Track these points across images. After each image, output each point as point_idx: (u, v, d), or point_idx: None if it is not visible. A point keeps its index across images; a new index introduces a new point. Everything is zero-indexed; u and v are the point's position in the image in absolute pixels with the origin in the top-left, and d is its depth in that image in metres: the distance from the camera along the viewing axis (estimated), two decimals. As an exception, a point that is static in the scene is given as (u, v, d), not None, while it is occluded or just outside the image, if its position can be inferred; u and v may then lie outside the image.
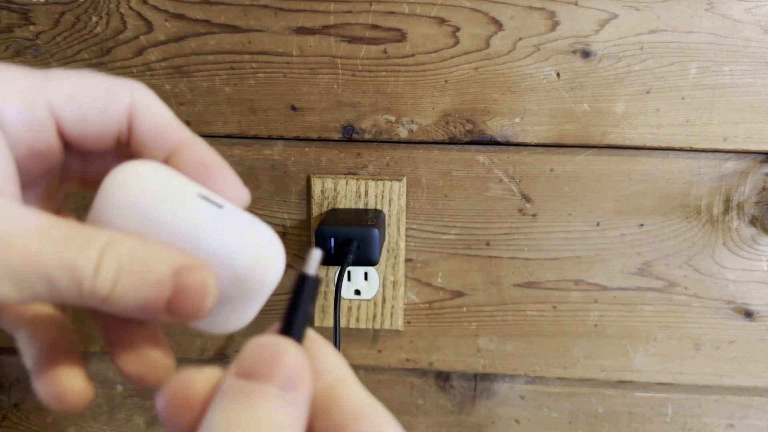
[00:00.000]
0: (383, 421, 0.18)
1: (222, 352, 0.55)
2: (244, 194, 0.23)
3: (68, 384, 0.21)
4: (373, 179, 0.49)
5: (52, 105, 0.22)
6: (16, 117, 0.21)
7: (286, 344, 0.18)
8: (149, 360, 0.21)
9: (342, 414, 0.18)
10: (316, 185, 0.49)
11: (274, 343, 0.18)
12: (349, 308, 0.52)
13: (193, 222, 0.21)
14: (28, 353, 0.22)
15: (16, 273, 0.18)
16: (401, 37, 0.46)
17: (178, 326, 0.54)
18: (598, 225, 0.50)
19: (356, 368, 0.54)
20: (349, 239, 0.45)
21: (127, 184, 0.21)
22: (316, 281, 0.20)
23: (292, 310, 0.19)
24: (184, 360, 0.55)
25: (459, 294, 0.52)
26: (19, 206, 0.19)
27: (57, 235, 0.18)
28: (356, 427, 0.18)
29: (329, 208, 0.50)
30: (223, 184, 0.22)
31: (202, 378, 0.18)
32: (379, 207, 0.49)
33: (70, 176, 0.25)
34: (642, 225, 0.49)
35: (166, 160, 0.23)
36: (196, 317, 0.20)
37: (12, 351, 0.57)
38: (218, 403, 0.17)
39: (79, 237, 0.18)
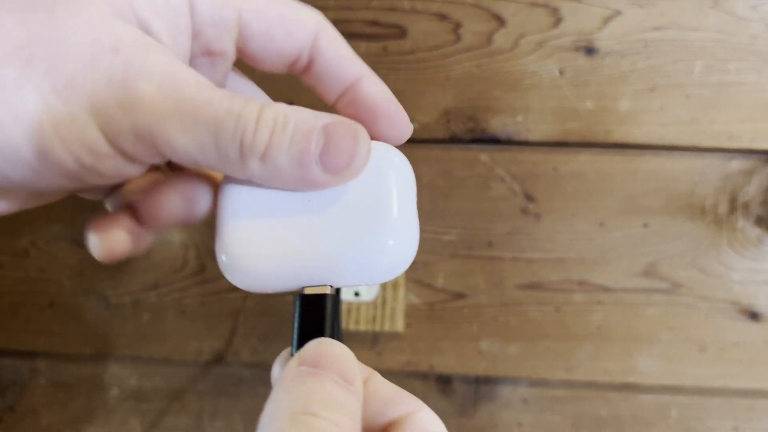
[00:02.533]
0: (416, 402, 0.20)
1: (219, 353, 0.55)
2: (410, 129, 0.24)
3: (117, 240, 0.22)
4: (373, 178, 0.49)
5: (241, 13, 0.22)
6: (206, 10, 0.21)
7: (342, 346, 0.20)
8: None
9: (379, 401, 0.20)
10: (315, 185, 0.49)
11: (332, 342, 0.20)
12: (349, 310, 0.52)
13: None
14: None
15: (188, 115, 0.18)
16: (402, 33, 0.46)
17: (172, 328, 0.54)
18: (601, 225, 0.49)
19: (356, 371, 0.54)
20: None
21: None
22: (337, 296, 0.22)
23: (328, 324, 0.21)
24: (180, 363, 0.54)
25: (460, 295, 0.52)
26: (191, 69, 0.20)
27: (222, 92, 0.19)
28: (394, 410, 0.20)
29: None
30: (397, 119, 0.23)
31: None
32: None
33: None
34: (646, 225, 0.49)
35: (344, 93, 0.23)
36: (350, 169, 0.20)
37: (7, 353, 0.57)
38: (286, 383, 0.18)
39: (240, 97, 0.19)
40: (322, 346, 0.19)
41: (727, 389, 0.53)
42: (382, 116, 0.23)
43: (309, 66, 0.23)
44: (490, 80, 0.46)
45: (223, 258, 0.22)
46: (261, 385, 0.53)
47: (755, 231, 0.49)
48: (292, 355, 0.20)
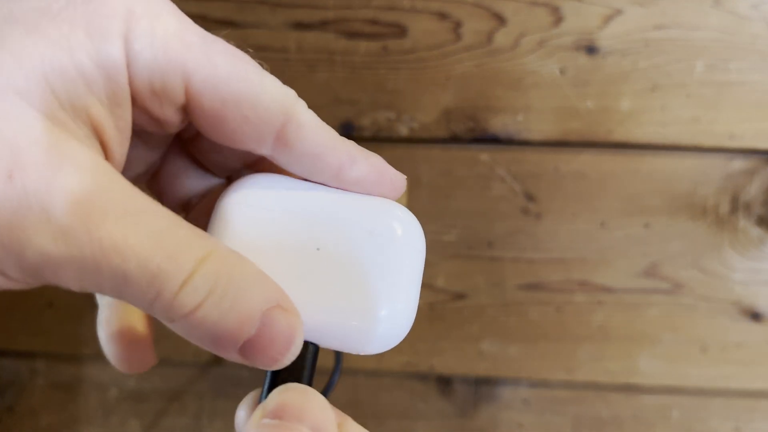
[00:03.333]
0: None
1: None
2: (404, 186, 0.22)
3: (137, 354, 0.20)
4: (372, 178, 0.48)
5: (189, 80, 0.17)
6: (145, 71, 0.17)
7: (312, 392, 0.18)
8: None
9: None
10: (315, 184, 0.49)
11: (300, 389, 0.18)
12: (349, 310, 0.52)
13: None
14: (104, 315, 0.21)
15: (89, 268, 0.15)
16: (402, 32, 0.46)
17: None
18: (602, 225, 0.49)
19: (355, 373, 0.54)
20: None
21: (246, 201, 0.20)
22: (317, 347, 0.20)
23: (306, 373, 0.20)
24: (179, 363, 0.54)
25: (461, 296, 0.52)
26: (116, 182, 0.16)
27: (149, 225, 0.15)
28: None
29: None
30: (391, 189, 0.21)
31: None
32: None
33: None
34: (647, 225, 0.49)
35: (327, 180, 0.20)
36: (268, 367, 0.18)
37: (6, 353, 0.57)
38: None
39: (177, 237, 0.16)
40: (288, 394, 0.18)
41: (729, 390, 0.53)
42: (374, 192, 0.21)
43: (275, 157, 0.20)
44: (490, 80, 0.46)
45: None
46: (260, 386, 0.52)
47: (757, 231, 0.49)
48: (261, 400, 0.19)
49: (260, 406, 0.18)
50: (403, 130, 0.48)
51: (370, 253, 0.20)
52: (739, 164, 0.47)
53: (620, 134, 0.47)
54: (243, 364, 0.18)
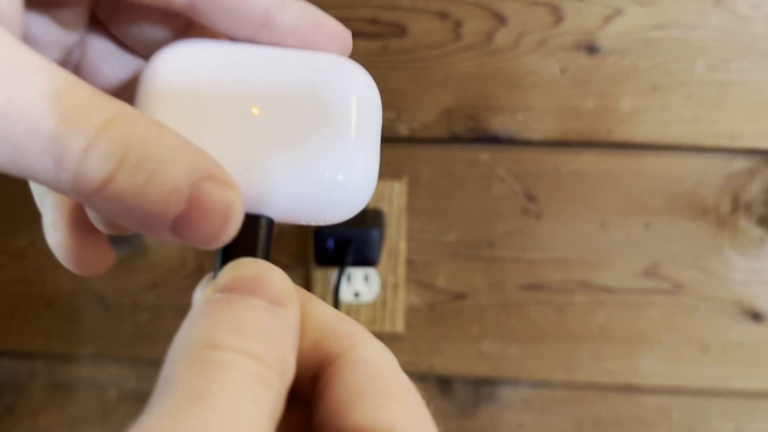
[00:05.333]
0: (361, 332, 0.16)
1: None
2: (350, 41, 0.19)
3: (92, 254, 0.19)
4: (373, 178, 0.48)
5: None
6: None
7: (270, 265, 0.16)
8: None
9: (315, 331, 0.16)
10: (315, 184, 0.49)
11: (254, 262, 0.16)
12: (349, 311, 0.51)
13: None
14: (48, 219, 0.19)
15: None
16: (402, 32, 0.46)
17: (171, 329, 0.54)
18: (603, 225, 0.49)
19: (356, 372, 0.54)
20: (348, 240, 0.44)
21: (177, 68, 0.17)
22: (270, 220, 0.18)
23: (261, 247, 0.18)
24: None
25: (461, 296, 0.51)
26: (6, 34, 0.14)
27: (41, 85, 0.13)
28: (333, 343, 0.16)
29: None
30: (333, 37, 0.18)
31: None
32: (379, 207, 0.49)
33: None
34: (648, 225, 0.49)
35: (255, 34, 0.18)
36: (206, 246, 0.16)
37: (5, 354, 0.57)
38: (197, 316, 0.15)
39: (75, 97, 0.14)
40: (240, 267, 0.16)
41: (729, 390, 0.52)
42: (312, 44, 0.18)
43: (194, 6, 0.17)
44: (490, 79, 0.46)
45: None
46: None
47: (757, 231, 0.49)
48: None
49: (211, 282, 0.16)
50: (404, 130, 0.48)
51: (317, 113, 0.17)
52: (739, 164, 0.47)
53: (621, 134, 0.47)
54: (181, 244, 0.16)
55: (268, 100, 0.18)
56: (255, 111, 0.17)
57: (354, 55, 0.19)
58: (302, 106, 0.18)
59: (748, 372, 0.52)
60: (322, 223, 0.18)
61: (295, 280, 0.19)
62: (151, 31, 0.19)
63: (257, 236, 0.17)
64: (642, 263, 0.50)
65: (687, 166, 0.48)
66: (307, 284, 0.51)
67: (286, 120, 0.17)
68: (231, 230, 0.16)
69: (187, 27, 0.19)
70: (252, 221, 0.17)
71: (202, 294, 0.16)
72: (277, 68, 0.18)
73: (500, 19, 0.45)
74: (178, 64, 0.18)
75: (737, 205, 0.48)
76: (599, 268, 0.50)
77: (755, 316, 0.50)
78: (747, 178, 0.48)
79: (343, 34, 0.18)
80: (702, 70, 0.45)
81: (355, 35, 0.46)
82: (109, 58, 0.20)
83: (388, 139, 0.48)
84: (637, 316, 0.51)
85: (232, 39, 0.18)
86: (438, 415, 0.20)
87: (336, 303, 0.45)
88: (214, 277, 0.17)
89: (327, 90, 0.18)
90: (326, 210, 0.18)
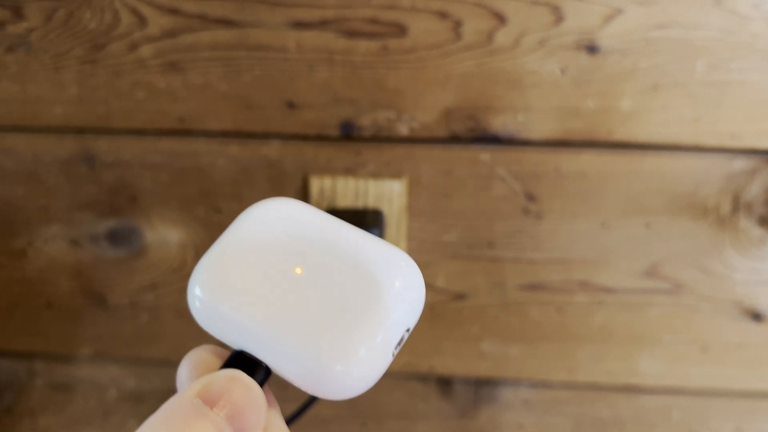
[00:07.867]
0: None
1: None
2: None
3: None
4: (372, 178, 0.48)
5: None
6: None
7: (254, 388, 0.18)
8: None
9: None
10: (314, 185, 0.49)
11: (243, 383, 0.18)
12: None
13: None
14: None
15: None
16: (402, 32, 0.45)
17: (171, 329, 0.54)
18: (603, 225, 0.49)
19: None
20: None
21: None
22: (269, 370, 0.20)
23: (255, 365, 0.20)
24: (179, 364, 0.54)
25: (461, 296, 0.51)
26: None
27: None
28: None
29: (327, 208, 0.49)
30: None
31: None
32: (378, 207, 0.49)
33: None
34: (648, 225, 0.49)
35: None
36: None
37: (4, 354, 0.57)
38: (171, 413, 0.18)
39: None
40: (230, 384, 0.18)
41: (730, 390, 0.52)
42: None
43: None
44: (491, 79, 0.46)
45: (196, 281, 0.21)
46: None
47: (758, 231, 0.49)
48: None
49: (200, 382, 0.19)
50: (404, 130, 0.48)
51: (356, 296, 0.18)
52: (740, 164, 0.47)
53: (621, 134, 0.47)
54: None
55: (314, 264, 0.19)
56: (298, 271, 0.19)
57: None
58: (347, 285, 0.19)
59: (749, 372, 0.52)
60: (309, 393, 0.19)
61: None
62: None
63: (254, 375, 0.19)
64: (642, 263, 0.50)
65: (687, 166, 0.47)
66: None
67: (319, 291, 0.19)
68: None
69: None
70: (251, 364, 0.19)
71: (187, 390, 0.19)
72: (344, 243, 0.19)
73: (500, 18, 0.45)
74: (269, 215, 0.20)
75: (738, 205, 0.48)
76: (599, 268, 0.50)
77: (756, 316, 0.50)
78: (747, 178, 0.48)
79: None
80: (702, 70, 0.45)
81: (355, 35, 0.46)
82: None
83: (387, 139, 0.48)
84: (637, 317, 0.51)
85: None
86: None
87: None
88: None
89: (377, 280, 0.19)
90: (314, 386, 0.19)
